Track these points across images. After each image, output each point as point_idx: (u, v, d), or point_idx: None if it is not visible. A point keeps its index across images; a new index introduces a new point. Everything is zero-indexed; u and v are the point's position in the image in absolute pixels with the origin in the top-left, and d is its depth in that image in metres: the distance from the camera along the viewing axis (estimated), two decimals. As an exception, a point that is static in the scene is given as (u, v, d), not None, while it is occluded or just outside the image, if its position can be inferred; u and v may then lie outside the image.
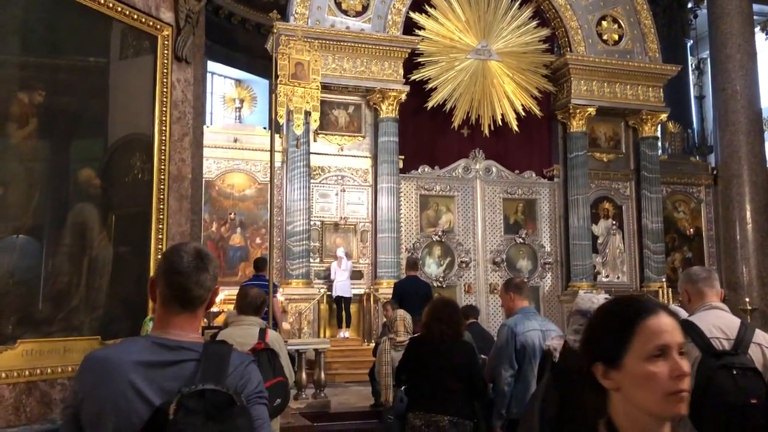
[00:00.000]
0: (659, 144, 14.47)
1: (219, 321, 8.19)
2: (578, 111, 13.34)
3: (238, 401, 1.44)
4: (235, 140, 11.84)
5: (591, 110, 13.39)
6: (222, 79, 15.24)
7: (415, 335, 4.80)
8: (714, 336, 2.70)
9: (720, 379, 2.56)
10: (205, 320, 7.77)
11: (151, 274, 4.76)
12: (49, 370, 4.02)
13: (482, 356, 4.62)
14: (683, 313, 3.00)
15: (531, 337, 4.21)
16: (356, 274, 12.02)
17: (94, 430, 1.48)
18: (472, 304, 9.16)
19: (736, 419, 2.18)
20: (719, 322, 2.79)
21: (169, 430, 1.35)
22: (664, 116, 14.04)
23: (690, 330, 2.74)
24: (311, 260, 11.77)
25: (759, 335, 2.77)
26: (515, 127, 13.04)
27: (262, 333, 3.80)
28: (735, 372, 2.43)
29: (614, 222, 13.93)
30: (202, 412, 1.38)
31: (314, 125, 10.80)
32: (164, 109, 5.00)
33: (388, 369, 5.09)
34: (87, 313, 4.53)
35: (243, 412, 1.45)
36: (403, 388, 4.17)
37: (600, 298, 3.45)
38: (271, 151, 6.48)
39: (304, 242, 11.56)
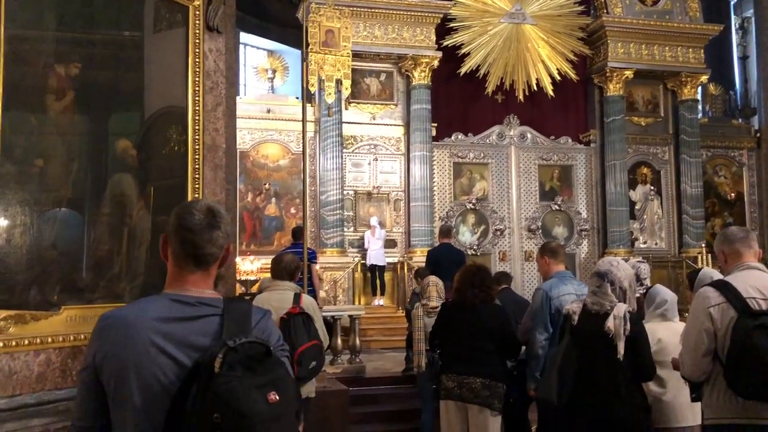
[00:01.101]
0: (699, 107, 14.08)
1: (255, 289, 8.33)
2: (615, 74, 13.04)
3: (273, 353, 1.43)
4: (268, 111, 11.89)
5: (628, 73, 13.07)
6: (255, 51, 15.24)
7: (448, 300, 4.83)
8: (750, 296, 2.65)
9: (756, 339, 2.53)
10: (243, 288, 7.91)
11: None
12: (93, 335, 4.15)
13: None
14: (718, 275, 2.96)
15: (566, 301, 4.19)
16: (390, 243, 12.07)
17: (117, 388, 1.47)
18: (506, 270, 9.12)
19: None
20: (756, 282, 2.74)
21: (214, 383, 1.33)
22: (704, 78, 13.64)
23: (725, 290, 2.70)
24: (345, 229, 11.84)
25: (796, 295, 2.72)
26: (550, 92, 12.81)
27: (297, 297, 3.87)
28: None
29: (652, 187, 13.68)
30: (240, 364, 1.37)
31: (346, 93, 10.76)
32: (197, 79, 5.05)
33: (421, 334, 5.14)
34: (127, 281, 4.66)
35: (280, 363, 1.45)
36: (437, 352, 4.21)
37: (620, 261, 3.42)
38: (303, 120, 6.50)
39: (338, 212, 11.63)
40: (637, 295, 4.24)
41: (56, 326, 4.13)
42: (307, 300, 3.96)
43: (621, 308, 3.27)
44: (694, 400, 3.13)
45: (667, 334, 3.80)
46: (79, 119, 4.53)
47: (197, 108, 5.02)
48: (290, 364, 1.61)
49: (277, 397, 1.35)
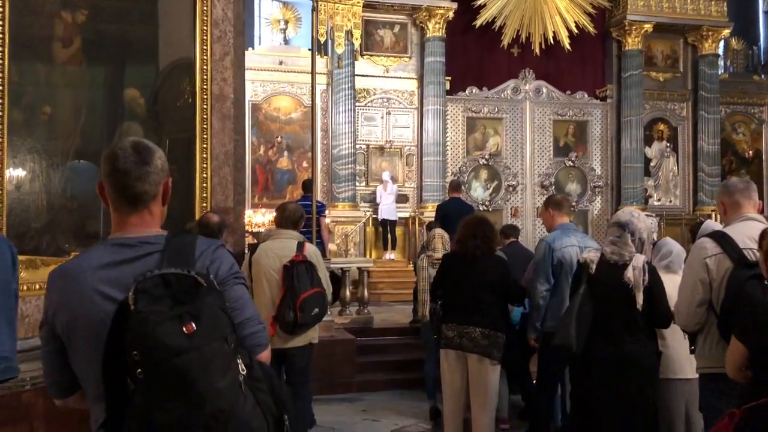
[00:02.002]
0: (720, 62, 13.78)
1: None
2: (634, 27, 12.75)
3: (204, 282, 1.38)
4: (281, 63, 11.80)
5: (648, 26, 12.77)
6: (270, 2, 15.04)
7: (445, 251, 4.85)
8: (747, 247, 2.64)
9: (749, 289, 2.53)
10: (255, 240, 7.97)
11: (197, 193, 4.92)
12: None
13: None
14: (712, 225, 2.95)
15: (569, 253, 4.21)
16: (402, 198, 12.08)
17: (70, 339, 1.49)
18: (514, 224, 9.10)
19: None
20: (754, 233, 2.72)
21: (131, 320, 1.30)
22: (726, 32, 13.29)
23: (722, 241, 2.70)
24: (357, 184, 11.85)
25: (795, 246, 2.70)
26: (567, 46, 12.57)
27: (300, 246, 3.90)
28: (766, 282, 2.39)
29: (668, 144, 13.51)
30: (169, 298, 1.33)
31: (356, 44, 10.61)
32: (204, 28, 5.02)
33: (426, 285, 5.18)
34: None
35: (211, 291, 1.39)
36: (438, 303, 4.25)
37: (640, 213, 3.41)
38: (312, 71, 6.45)
39: (350, 166, 11.62)
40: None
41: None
42: (310, 248, 3.99)
43: (640, 259, 3.29)
44: (693, 352, 3.16)
45: (669, 286, 3.79)
46: (87, 68, 4.54)
47: (205, 57, 5.00)
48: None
49: (195, 327, 1.31)
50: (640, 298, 3.22)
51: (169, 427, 1.28)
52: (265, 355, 1.58)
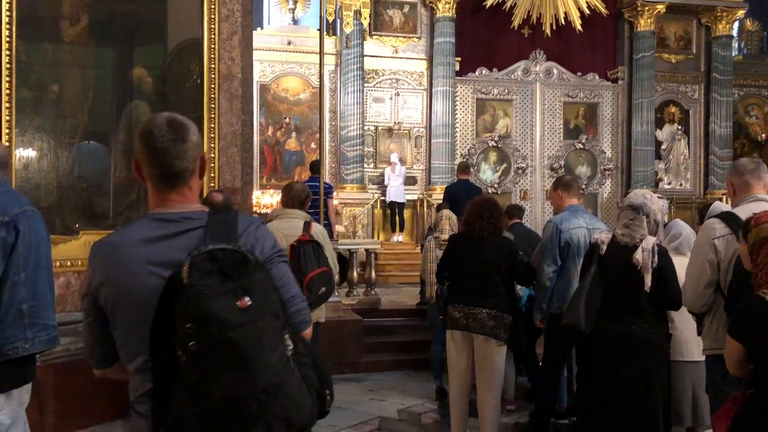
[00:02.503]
0: (734, 43, 13.59)
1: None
2: (647, 8, 12.58)
3: (252, 258, 1.40)
4: (289, 43, 11.73)
5: (660, 7, 12.60)
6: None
7: (452, 232, 4.83)
8: (757, 228, 2.61)
9: None
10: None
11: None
12: (110, 260, 4.26)
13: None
14: (721, 207, 2.92)
15: (576, 235, 4.19)
16: (410, 180, 12.05)
17: (114, 311, 1.51)
18: (519, 204, 9.05)
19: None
20: (763, 214, 2.69)
21: (185, 293, 1.32)
22: (741, 13, 13.10)
23: (731, 222, 2.67)
24: (365, 165, 11.83)
25: (805, 228, 2.67)
26: (579, 27, 12.42)
27: (307, 226, 3.90)
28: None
29: (680, 127, 13.38)
30: (218, 273, 1.35)
31: (365, 23, 10.54)
32: (212, 7, 4.99)
33: (433, 266, 5.16)
34: (145, 207, 4.75)
35: (259, 267, 1.41)
36: (445, 284, 4.24)
37: (652, 194, 3.39)
38: (321, 51, 6.41)
39: (358, 147, 11.59)
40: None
41: (75, 251, 4.25)
42: (317, 228, 3.99)
43: (650, 241, 3.27)
44: (701, 334, 3.14)
45: (678, 268, 3.78)
46: (95, 47, 4.53)
47: (212, 36, 4.97)
48: (294, 274, 1.59)
49: (249, 302, 1.33)
50: (648, 280, 3.20)
51: (221, 398, 1.30)
52: (307, 333, 1.61)
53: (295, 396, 1.38)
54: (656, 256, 3.24)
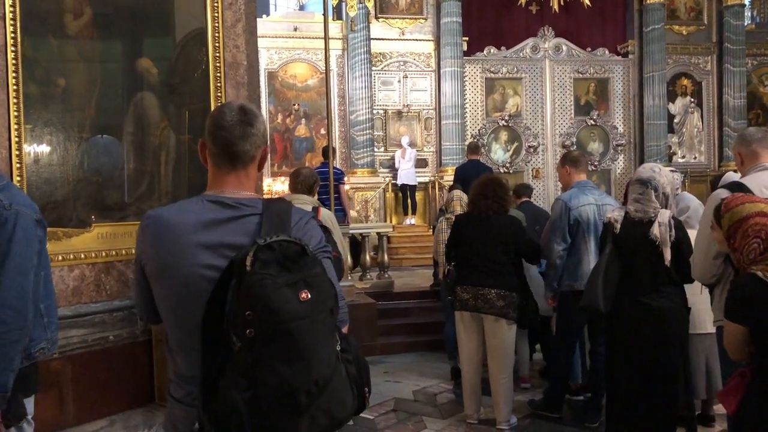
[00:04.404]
0: (746, 12, 13.36)
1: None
2: (656, -20, 12.41)
3: (309, 252, 1.41)
4: (295, 29, 11.70)
5: (670, -22, 12.43)
6: (281, -33, 14.89)
7: (462, 212, 4.82)
8: (765, 196, 2.59)
9: None
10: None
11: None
12: (123, 252, 4.31)
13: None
14: (734, 177, 2.89)
15: (585, 212, 4.17)
16: (421, 162, 12.03)
17: (159, 286, 1.53)
18: (527, 183, 9.02)
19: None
20: (772, 183, 2.67)
21: (248, 281, 1.33)
22: (753, -20, 12.90)
23: (739, 191, 2.65)
24: (375, 149, 11.82)
25: (814, 195, 2.65)
26: (587, 1, 12.22)
27: (315, 211, 3.91)
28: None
29: (692, 99, 13.22)
30: (275, 263, 1.35)
31: (369, 5, 10.49)
32: (216, -6, 4.98)
33: (445, 247, 5.18)
34: (155, 198, 4.78)
35: (316, 262, 1.42)
36: (453, 264, 4.24)
37: (661, 167, 3.36)
38: (326, 36, 6.39)
39: (368, 131, 11.57)
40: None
41: (88, 243, 4.30)
42: (325, 213, 4.00)
43: (665, 215, 3.25)
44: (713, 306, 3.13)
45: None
46: (100, 40, 4.55)
47: (216, 25, 4.98)
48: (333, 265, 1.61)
49: (309, 296, 1.34)
50: (668, 254, 3.18)
51: (275, 387, 1.32)
52: (345, 330, 1.62)
53: (340, 391, 1.40)
54: (673, 230, 3.22)
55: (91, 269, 4.27)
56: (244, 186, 1.57)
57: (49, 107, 4.14)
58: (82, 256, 4.22)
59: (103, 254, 4.30)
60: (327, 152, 8.77)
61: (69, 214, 4.26)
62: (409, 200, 11.67)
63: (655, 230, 3.21)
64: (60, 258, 4.09)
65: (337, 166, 8.81)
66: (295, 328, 1.32)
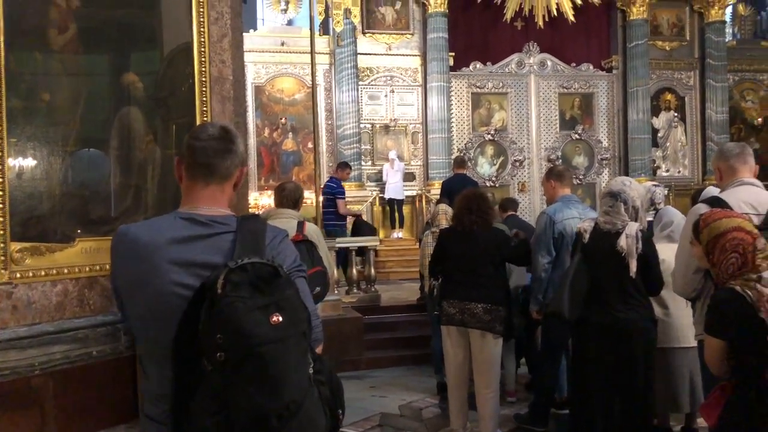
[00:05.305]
0: (727, 29, 13.58)
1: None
2: (639, -4, 12.58)
3: (282, 273, 1.39)
4: (282, 44, 11.73)
5: (653, -6, 12.61)
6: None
7: (446, 227, 4.84)
8: (743, 212, 2.63)
9: None
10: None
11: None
12: (107, 266, 4.27)
13: None
14: (714, 192, 2.93)
15: (570, 225, 4.20)
16: (408, 176, 12.07)
17: (130, 300, 1.52)
18: (513, 197, 9.08)
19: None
20: (749, 198, 2.72)
21: (218, 304, 1.31)
22: (733, -2, 13.12)
23: (718, 206, 2.68)
24: (363, 163, 11.84)
25: (791, 210, 2.69)
26: (571, 17, 12.38)
27: (300, 225, 3.91)
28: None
29: (676, 114, 13.37)
30: (248, 285, 1.34)
31: (356, 21, 10.57)
32: (201, 10, 4.99)
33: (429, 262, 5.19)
34: (140, 213, 4.76)
35: (289, 283, 1.41)
36: (439, 279, 4.25)
37: (632, 181, 3.40)
38: (312, 51, 6.42)
39: (355, 145, 11.60)
40: (649, 218, 4.23)
41: (72, 258, 4.26)
42: (310, 227, 4.00)
43: (633, 227, 3.29)
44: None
45: (670, 254, 3.79)
46: (85, 55, 4.54)
47: (202, 39, 4.98)
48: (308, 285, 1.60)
49: (281, 319, 1.32)
50: (633, 266, 3.22)
51: (246, 410, 1.31)
52: (319, 350, 1.61)
53: (312, 414, 1.39)
54: (640, 242, 3.26)
55: (74, 284, 4.23)
56: (219, 202, 1.55)
57: (33, 121, 4.12)
58: (66, 271, 4.17)
59: (87, 269, 4.25)
60: (339, 166, 8.94)
61: (53, 229, 4.22)
62: (396, 214, 11.69)
63: (622, 241, 3.25)
64: (43, 273, 4.05)
65: (336, 180, 8.86)
66: (266, 352, 1.31)
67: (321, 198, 7.71)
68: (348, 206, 9.45)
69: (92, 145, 4.55)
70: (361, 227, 8.89)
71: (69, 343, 4.06)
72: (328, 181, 9.05)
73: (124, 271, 1.51)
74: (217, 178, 1.55)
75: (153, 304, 1.45)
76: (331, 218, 8.49)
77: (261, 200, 10.66)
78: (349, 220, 9.16)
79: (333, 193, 8.65)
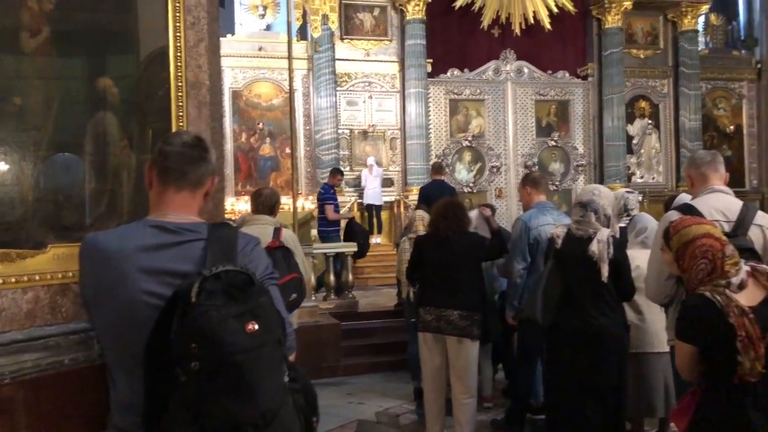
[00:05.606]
0: (700, 38, 13.82)
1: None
2: (614, 5, 12.74)
3: (256, 281, 1.39)
4: (260, 49, 11.69)
5: (627, 4, 12.76)
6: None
7: (422, 233, 4.86)
8: (714, 218, 2.67)
9: None
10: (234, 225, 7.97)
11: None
12: (80, 273, 4.21)
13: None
14: (687, 199, 2.97)
15: (544, 231, 4.22)
16: (387, 182, 12.07)
17: (98, 310, 1.51)
18: (490, 203, 9.12)
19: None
20: (720, 205, 2.76)
21: (192, 313, 1.29)
22: (705, 8, 13.34)
23: (689, 213, 2.72)
24: (341, 169, 11.80)
25: (760, 217, 2.74)
26: (548, 26, 12.54)
27: (277, 232, 3.89)
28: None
29: (650, 121, 13.56)
30: (221, 293, 1.32)
31: (333, 27, 10.58)
32: (177, 14, 4.96)
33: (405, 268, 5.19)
34: (116, 218, 4.71)
35: (263, 291, 1.40)
36: (416, 286, 4.26)
37: (601, 189, 3.44)
38: (289, 56, 6.41)
39: (333, 151, 11.59)
40: (623, 224, 4.28)
41: (43, 264, 4.18)
42: (287, 234, 3.98)
43: (604, 233, 3.32)
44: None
45: (645, 261, 3.83)
46: (58, 58, 4.48)
47: (178, 44, 4.95)
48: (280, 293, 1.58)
49: (257, 327, 1.31)
50: (605, 271, 3.26)
51: (221, 419, 1.29)
52: (292, 358, 1.60)
53: (287, 422, 1.38)
54: (611, 247, 3.29)
55: (46, 291, 4.15)
56: (189, 210, 1.55)
57: (5, 126, 4.05)
58: (37, 277, 4.10)
59: (60, 275, 4.18)
60: (333, 172, 8.93)
61: (24, 235, 4.15)
62: (374, 219, 11.68)
63: (593, 247, 3.29)
64: (13, 280, 3.97)
65: (327, 186, 8.87)
66: (242, 361, 1.30)
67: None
68: (342, 211, 9.51)
69: (66, 150, 4.49)
70: (354, 231, 8.90)
71: (40, 351, 3.98)
72: (321, 188, 9.14)
73: (93, 280, 1.49)
74: (188, 185, 1.54)
75: (123, 312, 1.43)
76: (323, 224, 8.58)
77: (238, 206, 10.58)
78: (344, 224, 9.18)
79: (322, 199, 8.75)
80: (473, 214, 4.55)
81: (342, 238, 8.60)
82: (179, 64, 5.18)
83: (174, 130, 5.24)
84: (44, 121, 4.36)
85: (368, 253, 11.12)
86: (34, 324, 4.12)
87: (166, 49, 5.01)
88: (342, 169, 10.37)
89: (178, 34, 5.19)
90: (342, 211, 9.95)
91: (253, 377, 1.31)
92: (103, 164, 4.68)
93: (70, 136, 4.54)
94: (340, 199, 11.53)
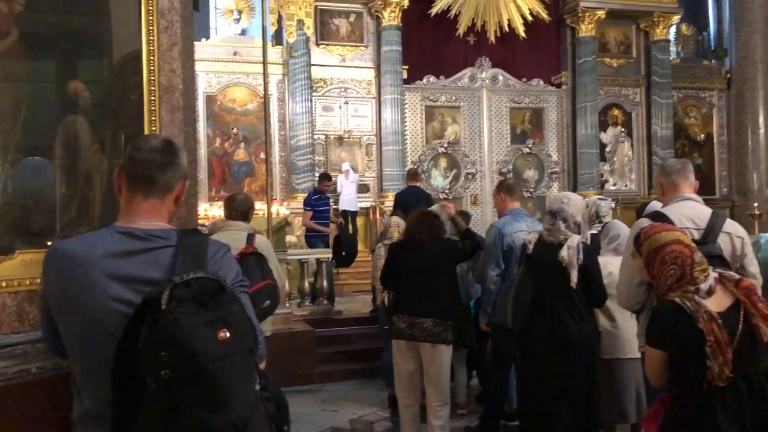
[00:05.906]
0: (672, 47, 14.05)
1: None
2: (587, 14, 12.90)
3: (227, 288, 1.38)
4: (235, 53, 11.62)
5: (601, 13, 12.94)
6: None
7: (397, 240, 4.87)
8: (684, 226, 2.71)
9: None
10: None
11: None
12: (49, 280, 4.13)
13: None
14: (658, 206, 3.01)
15: (518, 238, 4.25)
16: (362, 188, 12.06)
17: (59, 319, 1.47)
18: (465, 210, 9.16)
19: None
20: (690, 213, 2.80)
21: (163, 320, 1.28)
22: (676, 18, 13.56)
23: (660, 221, 2.75)
24: (316, 174, 11.74)
25: (729, 225, 2.79)
26: (522, 34, 12.65)
27: (250, 237, 3.86)
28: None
29: (623, 129, 13.74)
30: (192, 300, 1.31)
31: (309, 32, 10.57)
32: (150, 18, 4.90)
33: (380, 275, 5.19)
34: (84, 224, 4.62)
35: (234, 298, 1.39)
36: (390, 293, 4.25)
37: (570, 196, 3.47)
38: (264, 61, 6.39)
39: (309, 156, 11.55)
40: (594, 231, 4.32)
41: (10, 270, 4.09)
42: (261, 240, 3.96)
43: (574, 239, 3.36)
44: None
45: (618, 267, 3.87)
46: (28, 61, 4.40)
47: (152, 48, 4.89)
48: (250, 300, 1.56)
49: (228, 335, 1.30)
50: (574, 276, 3.29)
51: (192, 428, 1.27)
52: (263, 366, 1.58)
53: (259, 431, 1.37)
54: (581, 253, 3.33)
55: (12, 298, 4.07)
56: (159, 216, 1.52)
57: (-30, 130, 3.97)
58: (4, 284, 4.01)
59: (27, 282, 4.10)
60: (322, 177, 8.93)
61: (-8, 241, 4.07)
62: (350, 225, 11.64)
63: (563, 252, 3.33)
64: (-18, 286, 3.89)
65: (312, 192, 8.90)
66: (214, 369, 1.28)
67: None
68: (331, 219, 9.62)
69: (35, 154, 4.40)
70: (339, 242, 8.95)
71: (6, 360, 3.90)
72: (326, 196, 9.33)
73: (58, 290, 1.45)
74: (157, 191, 1.52)
75: (91, 320, 1.40)
76: (308, 230, 8.63)
77: (211, 211, 10.50)
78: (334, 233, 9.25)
79: (303, 205, 8.85)
80: (434, 209, 4.55)
81: (331, 246, 8.66)
82: (152, 68, 5.13)
83: (146, 134, 5.17)
84: (13, 124, 4.29)
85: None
86: (1, 331, 4.03)
87: (140, 52, 4.96)
88: (331, 175, 10.35)
89: (151, 37, 5.13)
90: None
91: (225, 385, 1.29)
92: (73, 168, 4.60)
93: (40, 140, 4.46)
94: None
